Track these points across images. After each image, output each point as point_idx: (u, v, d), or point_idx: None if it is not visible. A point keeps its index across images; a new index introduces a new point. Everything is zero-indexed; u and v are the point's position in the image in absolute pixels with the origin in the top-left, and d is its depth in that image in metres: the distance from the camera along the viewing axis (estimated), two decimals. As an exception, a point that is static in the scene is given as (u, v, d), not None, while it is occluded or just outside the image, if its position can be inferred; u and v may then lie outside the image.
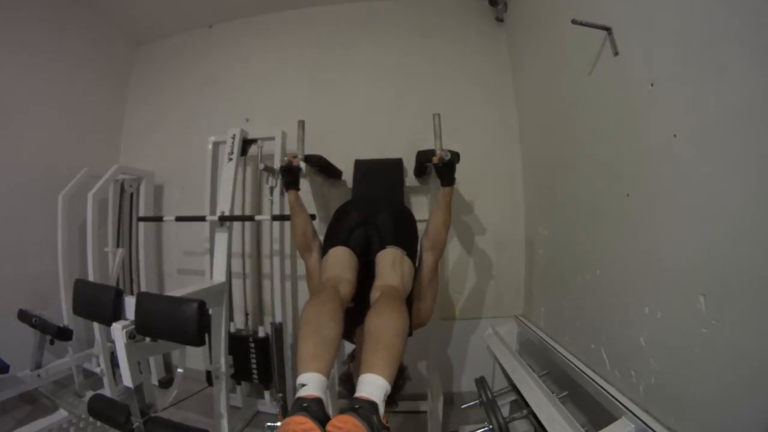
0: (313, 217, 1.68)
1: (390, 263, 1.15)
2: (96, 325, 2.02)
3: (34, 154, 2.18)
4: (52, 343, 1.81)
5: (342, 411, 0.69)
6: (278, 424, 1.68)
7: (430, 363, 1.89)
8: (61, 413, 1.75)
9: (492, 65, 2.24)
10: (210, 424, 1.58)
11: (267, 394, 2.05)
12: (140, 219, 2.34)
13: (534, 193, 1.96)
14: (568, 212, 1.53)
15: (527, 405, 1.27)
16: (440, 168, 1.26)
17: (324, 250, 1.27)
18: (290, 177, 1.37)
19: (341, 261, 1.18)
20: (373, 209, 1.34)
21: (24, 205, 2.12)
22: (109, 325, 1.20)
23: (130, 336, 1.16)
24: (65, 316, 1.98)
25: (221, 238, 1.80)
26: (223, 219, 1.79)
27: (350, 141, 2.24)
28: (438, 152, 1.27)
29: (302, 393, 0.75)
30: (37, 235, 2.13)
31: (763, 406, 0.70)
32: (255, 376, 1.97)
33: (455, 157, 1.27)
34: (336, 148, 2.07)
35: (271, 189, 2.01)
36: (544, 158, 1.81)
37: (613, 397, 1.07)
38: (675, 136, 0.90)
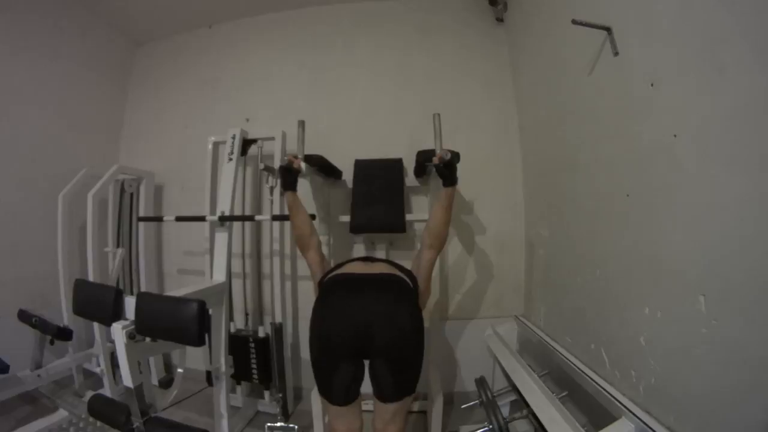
0: (313, 217, 1.68)
1: (390, 416, 1.15)
2: (96, 325, 2.02)
3: (34, 154, 2.18)
4: (52, 343, 1.81)
5: None
6: (278, 424, 1.69)
7: (430, 363, 1.89)
8: (61, 413, 1.75)
9: (492, 65, 2.24)
10: (210, 424, 1.58)
11: (267, 394, 2.05)
12: (140, 219, 2.34)
13: (534, 193, 1.96)
14: (568, 212, 1.53)
15: (527, 405, 1.27)
16: (441, 168, 1.26)
17: (318, 384, 1.16)
18: (290, 177, 1.37)
19: (347, 420, 1.19)
20: (369, 343, 1.08)
21: (24, 205, 2.12)
22: (109, 325, 1.20)
23: (130, 336, 1.16)
24: (65, 316, 1.98)
25: (221, 238, 1.80)
26: (223, 219, 1.79)
27: (350, 141, 2.24)
28: (438, 152, 1.27)
29: None
30: (37, 235, 2.13)
31: (763, 406, 0.70)
32: (255, 376, 1.97)
33: (455, 157, 1.27)
34: (336, 148, 2.07)
35: (271, 189, 2.01)
36: (544, 158, 1.81)
37: (613, 397, 1.07)
38: (675, 135, 0.90)
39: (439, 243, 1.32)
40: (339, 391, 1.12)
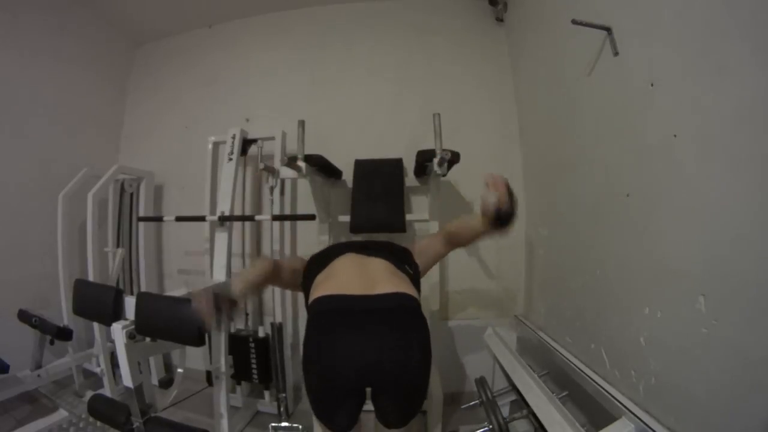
0: (312, 217, 1.68)
1: None
2: (96, 325, 2.02)
3: (34, 154, 2.18)
4: (52, 343, 1.81)
5: None
6: (283, 424, 1.67)
7: (431, 363, 1.89)
8: (61, 413, 1.75)
9: (492, 65, 2.24)
10: (210, 424, 1.58)
11: (267, 394, 2.05)
12: (140, 219, 2.33)
13: (534, 193, 1.96)
14: (568, 212, 1.53)
15: (527, 405, 1.27)
16: (502, 214, 1.09)
17: (315, 412, 0.99)
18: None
19: None
20: (375, 380, 0.93)
21: (24, 205, 2.12)
22: (109, 325, 1.20)
23: (130, 336, 1.17)
24: (65, 316, 1.98)
25: (221, 238, 1.80)
26: (223, 219, 1.79)
27: (350, 141, 2.24)
28: (438, 152, 1.27)
29: None
30: (37, 235, 2.13)
31: (763, 406, 0.70)
32: (255, 376, 1.97)
33: (456, 157, 1.28)
34: (336, 148, 2.07)
35: (271, 189, 2.01)
36: (544, 158, 1.81)
37: (613, 397, 1.07)
38: (675, 136, 0.90)
39: (457, 247, 1.25)
40: (339, 422, 0.99)
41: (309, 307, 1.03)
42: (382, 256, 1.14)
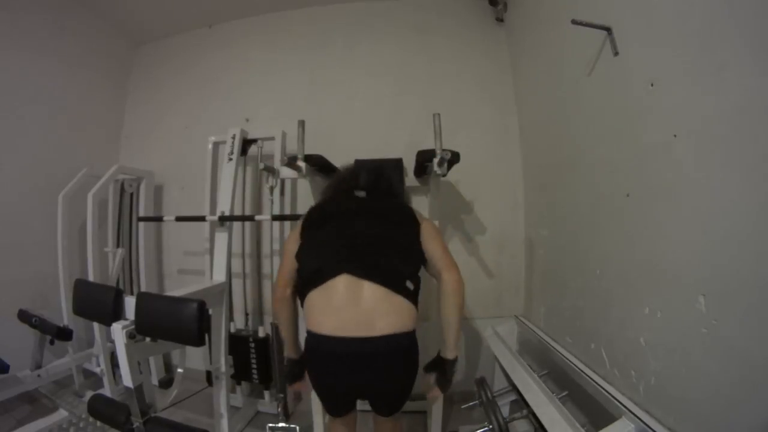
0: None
1: (390, 426, 1.26)
2: (96, 325, 2.02)
3: (34, 154, 2.18)
4: (52, 343, 1.81)
5: None
6: (280, 425, 1.69)
7: (430, 363, 1.89)
8: (61, 413, 1.75)
9: (492, 65, 2.24)
10: (210, 424, 1.58)
11: (267, 394, 2.05)
12: (140, 219, 2.34)
13: (534, 194, 1.96)
14: (568, 212, 1.53)
15: (527, 405, 1.27)
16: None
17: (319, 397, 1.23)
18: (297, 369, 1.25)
19: (345, 421, 1.26)
20: (369, 395, 1.17)
21: (24, 205, 2.12)
22: (109, 325, 1.20)
23: (130, 336, 1.16)
24: (65, 316, 1.98)
25: (221, 238, 1.80)
26: (223, 219, 1.79)
27: (350, 141, 2.24)
28: (438, 152, 1.27)
29: None
30: (37, 235, 2.13)
31: (763, 406, 0.70)
32: (255, 376, 1.97)
33: (456, 157, 1.27)
34: (336, 147, 2.07)
35: (271, 189, 2.01)
36: (544, 158, 1.81)
37: (613, 397, 1.07)
38: (675, 136, 0.90)
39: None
40: (339, 413, 1.23)
41: (308, 334, 1.08)
42: (379, 280, 1.04)
